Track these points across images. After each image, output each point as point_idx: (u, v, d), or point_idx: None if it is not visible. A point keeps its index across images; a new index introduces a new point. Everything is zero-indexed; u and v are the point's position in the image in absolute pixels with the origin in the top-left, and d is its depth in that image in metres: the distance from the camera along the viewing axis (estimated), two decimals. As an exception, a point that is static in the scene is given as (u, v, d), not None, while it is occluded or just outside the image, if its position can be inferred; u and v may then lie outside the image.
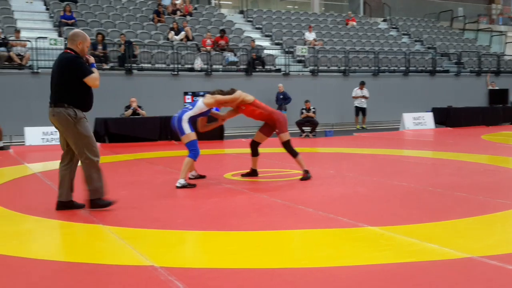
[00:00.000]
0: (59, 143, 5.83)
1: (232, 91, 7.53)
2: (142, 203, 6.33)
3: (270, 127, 7.81)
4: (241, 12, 24.40)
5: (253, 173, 7.99)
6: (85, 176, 5.57)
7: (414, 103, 19.97)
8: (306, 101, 15.93)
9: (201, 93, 7.35)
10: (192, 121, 7.30)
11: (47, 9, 19.53)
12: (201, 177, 7.84)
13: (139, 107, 14.34)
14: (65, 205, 5.69)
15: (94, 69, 5.62)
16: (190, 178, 7.67)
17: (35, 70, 15.29)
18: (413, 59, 22.21)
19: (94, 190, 5.56)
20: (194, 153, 7.15)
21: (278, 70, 19.30)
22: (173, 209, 5.99)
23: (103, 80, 18.35)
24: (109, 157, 11.04)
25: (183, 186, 7.05)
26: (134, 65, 16.80)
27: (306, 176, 7.63)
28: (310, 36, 21.77)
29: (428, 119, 18.37)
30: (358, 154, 11.20)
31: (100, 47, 16.31)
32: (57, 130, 5.76)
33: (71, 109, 5.48)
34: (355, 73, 20.58)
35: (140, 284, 3.50)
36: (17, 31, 15.90)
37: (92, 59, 5.79)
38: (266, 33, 22.38)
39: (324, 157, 11.34)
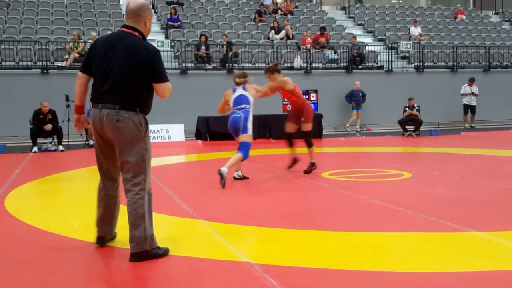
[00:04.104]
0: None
1: (245, 74, 7.62)
2: (239, 199, 6.45)
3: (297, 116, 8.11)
4: (343, 8, 24.11)
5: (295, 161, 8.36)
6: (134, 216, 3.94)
7: (528, 101, 18.66)
8: (410, 99, 15.38)
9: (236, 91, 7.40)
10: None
11: (155, 11, 20.46)
12: (245, 178, 7.72)
13: (240, 105, 14.59)
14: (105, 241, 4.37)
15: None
16: (235, 178, 7.63)
17: (144, 71, 16.08)
18: (528, 54, 20.75)
19: (144, 237, 3.92)
20: (246, 153, 7.28)
21: (381, 67, 18.83)
22: (269, 206, 6.03)
23: (205, 80, 18.60)
24: (210, 155, 11.38)
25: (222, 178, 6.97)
26: (235, 65, 17.14)
27: (310, 169, 7.95)
28: (415, 31, 21.00)
29: (545, 117, 17.12)
30: (465, 155, 10.63)
31: (203, 47, 16.82)
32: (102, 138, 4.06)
33: (142, 117, 4.00)
34: (464, 69, 19.59)
35: (236, 280, 3.57)
36: (128, 34, 16.77)
37: None
38: (369, 29, 21.91)
39: (428, 157, 10.90)
